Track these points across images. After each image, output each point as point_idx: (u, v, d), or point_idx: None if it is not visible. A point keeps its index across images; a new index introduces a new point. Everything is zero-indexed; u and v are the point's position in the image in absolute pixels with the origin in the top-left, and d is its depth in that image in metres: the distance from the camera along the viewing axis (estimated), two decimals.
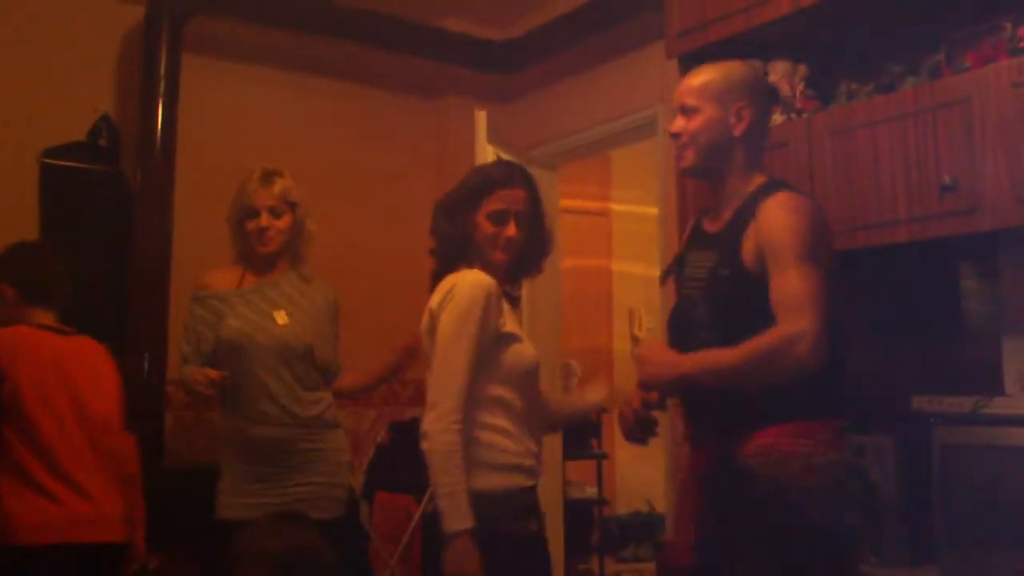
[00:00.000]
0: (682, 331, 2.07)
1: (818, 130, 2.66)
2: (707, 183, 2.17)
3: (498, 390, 2.03)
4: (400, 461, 4.17)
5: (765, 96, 2.14)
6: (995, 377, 2.48)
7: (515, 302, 2.20)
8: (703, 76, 2.08)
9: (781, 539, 1.84)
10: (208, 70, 4.00)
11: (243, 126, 4.06)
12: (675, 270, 2.18)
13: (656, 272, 4.01)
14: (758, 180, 2.08)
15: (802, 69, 2.89)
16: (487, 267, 2.09)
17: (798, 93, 2.85)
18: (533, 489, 2.08)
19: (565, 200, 4.95)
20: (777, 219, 1.94)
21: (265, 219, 2.57)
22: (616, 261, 6.06)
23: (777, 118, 2.87)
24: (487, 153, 3.98)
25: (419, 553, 3.90)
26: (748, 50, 2.99)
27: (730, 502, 1.92)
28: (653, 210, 4.24)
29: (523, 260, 2.17)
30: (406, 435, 4.29)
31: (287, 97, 4.31)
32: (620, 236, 6.11)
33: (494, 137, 4.05)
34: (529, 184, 2.15)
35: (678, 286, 2.17)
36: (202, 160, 3.77)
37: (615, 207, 6.14)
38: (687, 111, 2.07)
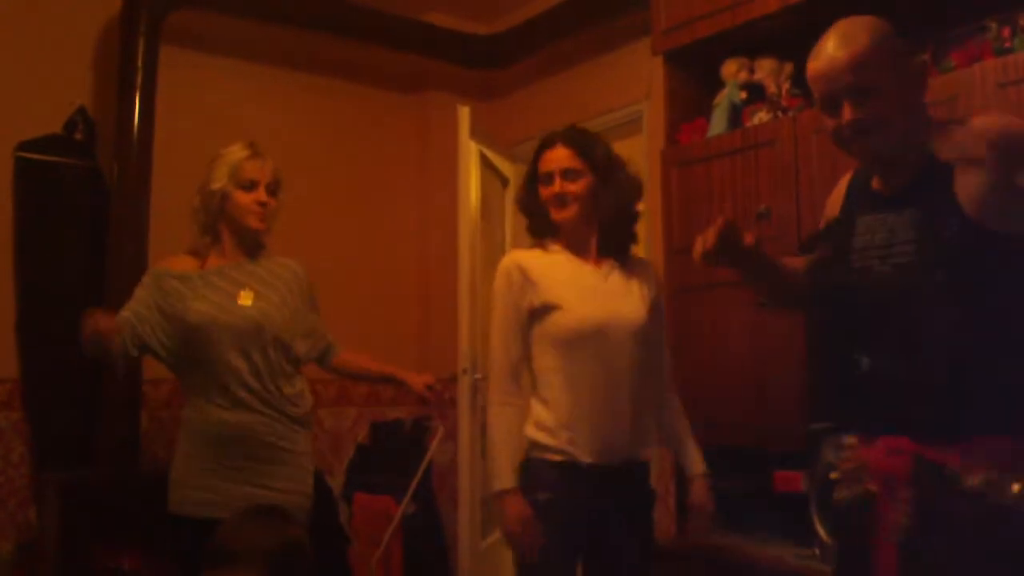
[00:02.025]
0: (887, 310, 1.67)
1: (804, 128, 2.64)
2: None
3: (546, 360, 2.21)
4: (381, 462, 4.13)
5: (906, 43, 1.71)
6: None
7: (615, 255, 2.29)
8: (858, 43, 1.65)
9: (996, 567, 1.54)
10: (187, 63, 3.94)
11: (222, 120, 4.00)
12: (834, 240, 1.81)
13: None
14: (928, 124, 1.71)
15: (788, 67, 2.88)
16: (557, 229, 2.28)
17: (784, 91, 2.84)
18: (560, 465, 2.16)
19: None
20: (1001, 123, 1.61)
21: (264, 194, 2.45)
22: None
23: (762, 116, 2.86)
24: (470, 149, 3.94)
25: (399, 556, 3.88)
26: (734, 47, 2.98)
27: (944, 522, 1.57)
28: None
29: (600, 212, 2.26)
30: (387, 435, 4.25)
31: (267, 91, 4.26)
32: None
33: (477, 133, 4.01)
34: (574, 142, 2.26)
35: (844, 259, 1.78)
36: (180, 155, 3.70)
37: None
38: (858, 92, 1.65)
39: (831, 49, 1.68)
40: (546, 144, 2.28)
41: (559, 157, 2.25)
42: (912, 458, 1.60)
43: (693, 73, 3.15)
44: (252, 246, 2.50)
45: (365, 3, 4.16)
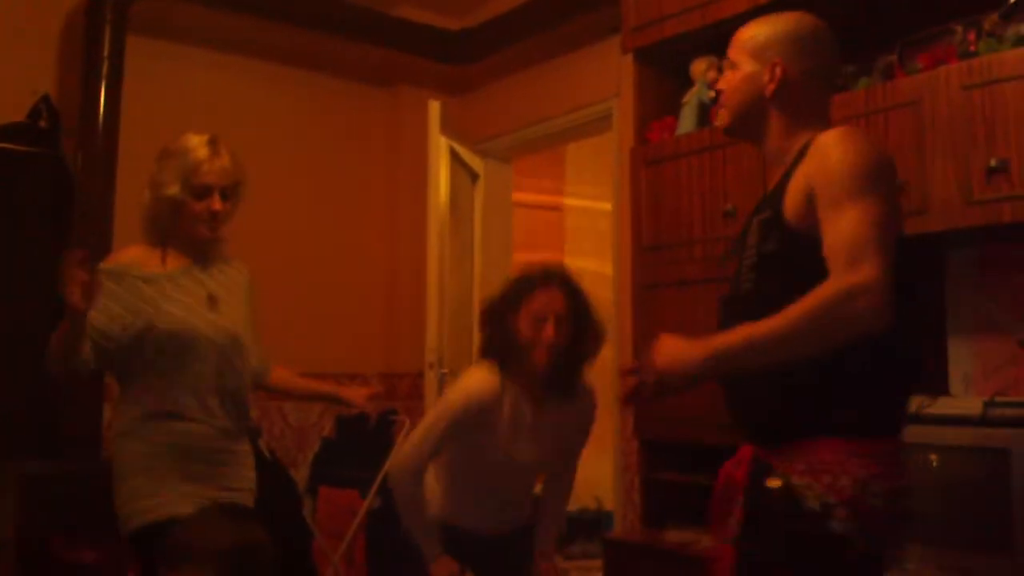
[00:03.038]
0: (727, 314, 1.71)
1: None
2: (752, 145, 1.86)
3: (458, 463, 2.34)
4: (346, 456, 4.11)
5: (813, 51, 1.72)
6: (941, 377, 2.50)
7: (560, 393, 2.32)
8: (749, 29, 1.77)
9: (820, 566, 1.54)
10: (154, 52, 3.90)
11: (189, 111, 3.95)
12: (737, 246, 1.83)
13: (608, 269, 4.00)
14: (813, 133, 1.67)
15: None
16: (529, 367, 2.24)
17: None
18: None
19: (518, 194, 4.93)
20: (829, 152, 1.55)
21: (218, 202, 2.24)
22: (569, 256, 6.05)
23: None
24: (440, 144, 3.93)
25: (363, 550, 3.87)
26: (704, 46, 3.00)
27: (767, 523, 1.59)
28: (607, 206, 4.22)
29: (567, 359, 2.27)
30: (352, 430, 4.23)
31: (236, 82, 4.22)
32: (573, 231, 6.10)
33: (447, 128, 4.00)
34: (567, 285, 2.27)
35: (739, 256, 1.82)
36: (146, 145, 3.62)
37: (568, 202, 6.13)
38: (730, 66, 1.78)
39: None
40: (541, 283, 2.25)
41: (554, 300, 2.23)
42: (750, 462, 1.65)
43: (663, 71, 3.17)
44: (205, 249, 2.34)
45: None
